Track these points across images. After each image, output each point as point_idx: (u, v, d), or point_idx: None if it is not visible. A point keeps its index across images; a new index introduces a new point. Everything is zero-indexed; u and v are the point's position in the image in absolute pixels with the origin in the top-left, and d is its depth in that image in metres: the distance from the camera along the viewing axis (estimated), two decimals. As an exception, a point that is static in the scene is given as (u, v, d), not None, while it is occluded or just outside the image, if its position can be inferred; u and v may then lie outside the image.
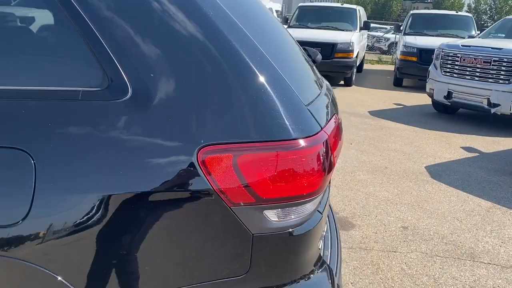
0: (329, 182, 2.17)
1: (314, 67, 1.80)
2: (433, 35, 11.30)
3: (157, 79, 1.02)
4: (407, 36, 11.50)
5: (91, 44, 1.01)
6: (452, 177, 4.98)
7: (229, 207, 1.04)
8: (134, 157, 1.00)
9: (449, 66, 7.66)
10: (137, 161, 1.00)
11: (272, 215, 1.09)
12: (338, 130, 1.36)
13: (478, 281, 3.01)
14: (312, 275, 1.19)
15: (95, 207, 0.98)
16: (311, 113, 1.15)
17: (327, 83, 1.83)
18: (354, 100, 9.42)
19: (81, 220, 0.99)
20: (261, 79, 1.07)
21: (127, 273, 1.05)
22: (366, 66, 15.57)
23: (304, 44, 10.36)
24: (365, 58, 16.00)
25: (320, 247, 1.34)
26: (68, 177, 0.98)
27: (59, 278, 1.01)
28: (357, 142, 6.24)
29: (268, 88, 1.07)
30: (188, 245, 1.06)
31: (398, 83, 11.63)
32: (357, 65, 12.16)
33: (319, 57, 1.80)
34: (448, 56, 7.69)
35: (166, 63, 1.04)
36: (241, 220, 1.06)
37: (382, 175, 4.94)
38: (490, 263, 3.23)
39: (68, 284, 1.02)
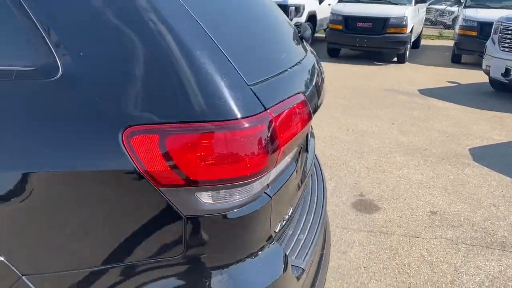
0: (319, 169, 2.11)
1: (301, 42, 1.72)
2: (496, 7, 10.46)
3: (86, 59, 1.03)
4: (467, 9, 10.74)
5: (24, 23, 1.03)
6: (497, 161, 4.66)
7: (157, 189, 1.03)
8: (61, 136, 1.01)
9: (508, 41, 7.09)
10: (64, 140, 1.01)
11: (205, 197, 1.08)
12: (300, 109, 1.31)
13: (504, 271, 2.83)
14: (253, 259, 1.17)
15: (20, 185, 1.02)
16: (254, 93, 1.10)
17: (313, 59, 1.75)
18: (404, 78, 9.01)
19: (5, 197, 1.03)
20: (193, 56, 1.04)
21: (59, 251, 1.08)
22: (424, 42, 14.78)
23: (355, 19, 9.98)
24: (424, 33, 15.19)
25: (276, 230, 1.31)
26: None
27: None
28: (400, 122, 5.99)
29: (200, 66, 1.03)
30: (119, 224, 1.07)
31: (456, 60, 10.97)
32: (413, 40, 11.58)
33: (308, 32, 1.72)
34: (508, 30, 7.11)
35: (96, 43, 1.04)
36: (171, 201, 1.05)
37: (420, 157, 4.72)
38: (521, 254, 3.02)
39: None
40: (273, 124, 1.12)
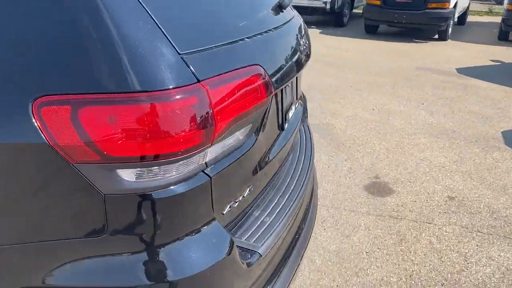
0: (309, 145, 1.99)
1: (280, 9, 1.59)
2: (551, -20, 9.67)
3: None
4: (518, -18, 9.99)
5: None
6: (531, 145, 4.34)
7: (72, 164, 0.97)
8: None
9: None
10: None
11: (128, 175, 1.01)
12: (254, 83, 1.20)
13: (520, 264, 2.63)
14: (186, 242, 1.09)
15: None
16: (186, 62, 1.01)
17: (295, 28, 1.62)
18: (443, 56, 8.55)
19: None
20: (111, 18, 0.95)
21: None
22: (471, 18, 13.96)
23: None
24: (471, 9, 14.33)
25: (224, 212, 1.22)
26: None
27: None
28: (431, 102, 5.69)
29: (119, 30, 0.95)
30: (34, 201, 1.02)
31: (503, 37, 10.28)
32: (457, 16, 10.95)
33: (286, 1, 1.59)
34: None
35: (2, 6, 0.97)
36: (88, 179, 0.99)
37: (446, 139, 4.47)
38: (543, 245, 2.80)
39: None
40: (207, 98, 1.03)
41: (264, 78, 1.26)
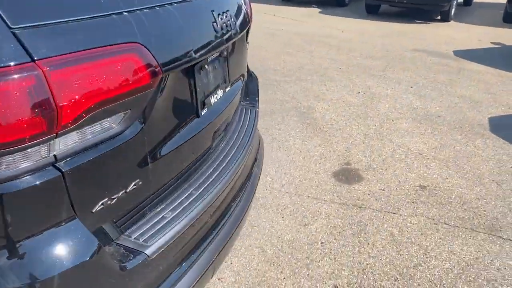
0: (249, 134, 1.85)
1: None
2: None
3: None
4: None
5: None
6: (518, 132, 4.15)
7: None
8: None
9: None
10: None
11: None
12: (125, 64, 1.06)
13: (482, 258, 2.50)
14: (36, 243, 0.97)
15: None
16: (18, 39, 0.87)
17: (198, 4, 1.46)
18: (443, 38, 8.27)
19: None
20: None
21: None
22: (479, -1, 13.53)
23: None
24: (480, -11, 13.85)
25: (93, 210, 1.10)
26: None
27: None
28: (421, 85, 5.49)
29: None
30: None
31: (508, 19, 9.91)
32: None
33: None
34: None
35: None
36: None
37: (429, 125, 4.30)
38: (510, 240, 2.66)
39: None
40: (45, 80, 0.90)
41: (145, 59, 1.12)
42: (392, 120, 4.40)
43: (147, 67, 1.13)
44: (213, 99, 1.62)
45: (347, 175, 3.36)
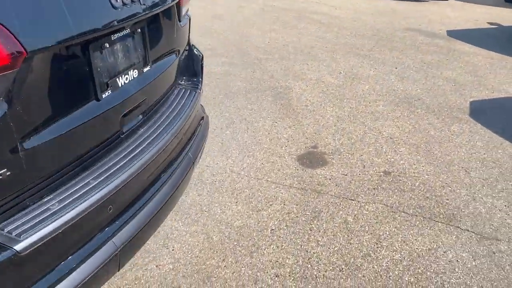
0: (180, 117, 1.75)
1: None
2: None
3: None
4: None
5: None
6: (497, 117, 4.01)
7: None
8: None
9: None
10: None
11: None
12: None
13: (435, 250, 2.41)
14: None
15: None
16: None
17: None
18: (438, 17, 8.01)
19: None
20: None
21: None
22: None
23: None
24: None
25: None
26: None
27: None
28: (406, 66, 5.32)
29: None
30: None
31: (510, -2, 9.58)
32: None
33: None
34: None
35: None
36: None
37: (407, 108, 4.16)
38: (468, 230, 2.57)
39: None
40: None
41: (2, 38, 1.01)
42: (369, 103, 4.26)
43: (4, 46, 1.02)
44: (122, 81, 1.51)
45: (311, 159, 3.25)
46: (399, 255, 2.37)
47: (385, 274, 2.24)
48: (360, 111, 4.07)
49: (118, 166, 1.47)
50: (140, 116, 1.69)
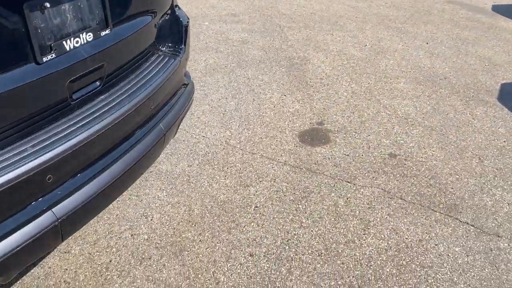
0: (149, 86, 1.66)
1: None
2: None
3: None
4: None
5: None
6: (528, 103, 3.69)
7: None
8: None
9: None
10: None
11: None
12: None
13: (426, 241, 2.26)
14: None
15: None
16: None
17: None
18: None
19: None
20: None
21: None
22: None
23: None
24: None
25: None
26: None
27: None
28: (439, 42, 4.97)
29: None
30: None
31: None
32: None
33: None
34: None
35: None
36: None
37: (430, 87, 3.89)
38: (467, 223, 2.39)
39: None
40: None
41: None
42: (390, 79, 4.02)
43: None
44: (70, 44, 1.42)
45: (314, 136, 3.11)
46: (386, 244, 2.23)
47: (366, 263, 2.12)
48: (378, 87, 3.84)
49: (63, 134, 1.41)
50: (97, 83, 1.60)
